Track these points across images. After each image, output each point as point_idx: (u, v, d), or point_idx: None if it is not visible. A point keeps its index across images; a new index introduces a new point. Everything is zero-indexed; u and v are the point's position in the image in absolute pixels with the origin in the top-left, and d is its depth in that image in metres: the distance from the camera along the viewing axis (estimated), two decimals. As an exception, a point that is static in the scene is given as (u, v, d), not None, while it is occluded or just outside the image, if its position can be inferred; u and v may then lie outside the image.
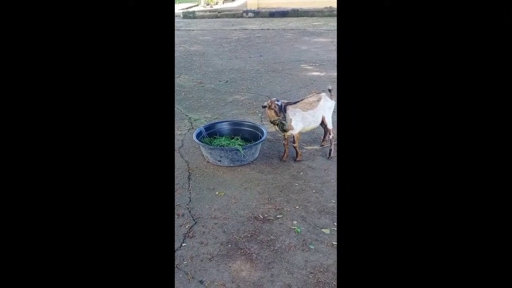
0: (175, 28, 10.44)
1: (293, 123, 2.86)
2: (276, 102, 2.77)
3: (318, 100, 2.98)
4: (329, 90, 3.11)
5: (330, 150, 3.04)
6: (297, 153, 2.98)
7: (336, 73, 4.72)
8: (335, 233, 2.13)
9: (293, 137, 2.94)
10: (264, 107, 2.84)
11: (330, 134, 3.07)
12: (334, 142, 3.04)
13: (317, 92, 3.14)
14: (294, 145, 2.95)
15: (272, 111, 2.78)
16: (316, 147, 3.24)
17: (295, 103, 2.94)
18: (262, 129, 3.14)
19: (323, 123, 3.05)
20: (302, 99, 3.02)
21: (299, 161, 2.97)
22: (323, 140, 3.23)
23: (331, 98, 3.07)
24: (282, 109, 2.76)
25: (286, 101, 2.91)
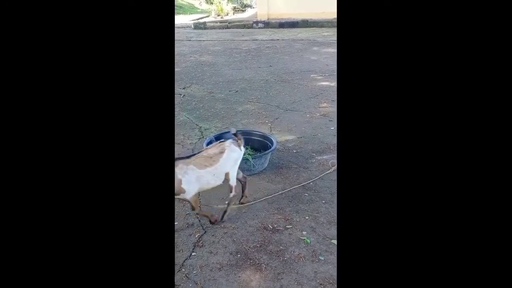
0: (186, 39, 10.63)
1: (183, 185, 2.16)
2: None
3: (221, 153, 2.31)
4: (235, 135, 2.44)
5: (225, 211, 2.42)
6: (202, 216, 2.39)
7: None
8: (345, 244, 2.12)
9: (189, 202, 2.28)
10: None
11: (231, 192, 2.41)
12: (232, 203, 2.47)
13: (221, 141, 2.43)
14: (195, 212, 2.32)
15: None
16: (326, 157, 3.22)
17: (188, 157, 2.30)
18: (272, 139, 3.14)
19: (225, 179, 2.41)
20: (200, 152, 2.38)
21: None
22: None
23: (238, 146, 2.42)
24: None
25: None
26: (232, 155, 2.35)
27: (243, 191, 2.56)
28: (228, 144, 2.36)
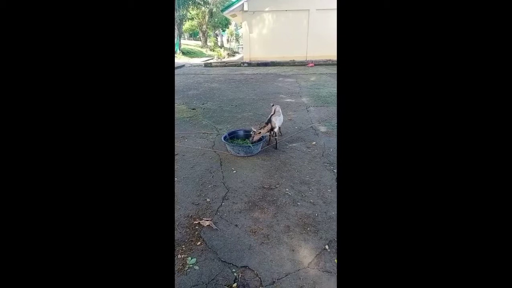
0: (201, 73, 10.36)
1: (276, 122, 3.06)
2: (255, 130, 2.95)
3: (276, 111, 3.16)
4: (272, 105, 3.33)
5: (276, 143, 3.12)
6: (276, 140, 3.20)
7: (297, 100, 4.82)
8: (311, 194, 2.19)
9: (279, 131, 3.28)
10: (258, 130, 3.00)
11: (278, 133, 3.25)
12: (275, 137, 3.18)
13: (273, 105, 3.33)
14: (278, 135, 3.27)
15: (260, 133, 2.95)
16: (294, 144, 3.28)
17: (272, 115, 3.12)
18: (250, 132, 3.11)
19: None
20: (272, 114, 3.12)
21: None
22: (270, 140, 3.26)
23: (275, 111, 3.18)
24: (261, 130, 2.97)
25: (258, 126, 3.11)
26: (279, 113, 3.17)
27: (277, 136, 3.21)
28: (278, 108, 3.22)
